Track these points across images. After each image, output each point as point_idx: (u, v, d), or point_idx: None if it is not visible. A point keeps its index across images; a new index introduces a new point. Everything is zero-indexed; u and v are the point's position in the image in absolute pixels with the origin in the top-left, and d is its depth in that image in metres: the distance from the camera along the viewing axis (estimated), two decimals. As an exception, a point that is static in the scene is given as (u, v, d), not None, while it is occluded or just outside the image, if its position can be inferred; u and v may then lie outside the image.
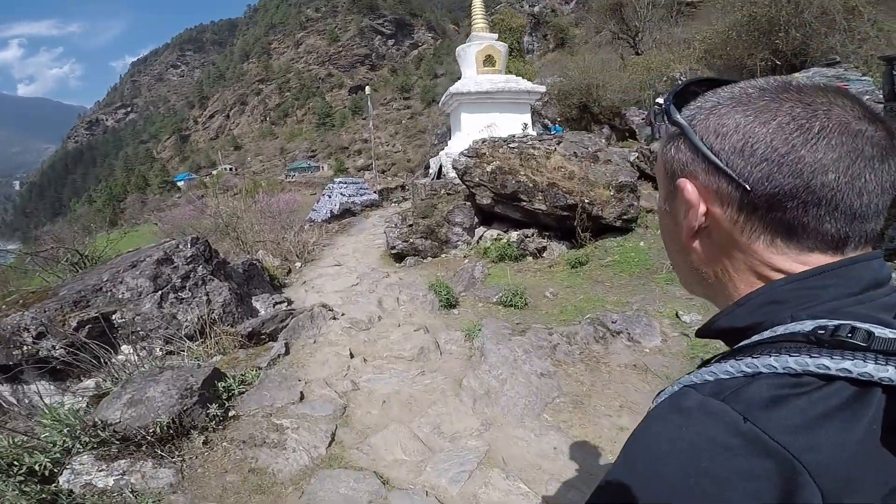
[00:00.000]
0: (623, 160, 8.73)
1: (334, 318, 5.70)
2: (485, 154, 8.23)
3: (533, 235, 7.91)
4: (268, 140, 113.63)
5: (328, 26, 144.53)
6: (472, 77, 11.71)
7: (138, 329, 5.35)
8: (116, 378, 4.17)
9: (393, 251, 9.31)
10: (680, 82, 0.65)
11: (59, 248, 12.65)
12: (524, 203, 7.74)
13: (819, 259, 0.54)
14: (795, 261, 0.55)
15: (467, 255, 8.69)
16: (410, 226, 9.21)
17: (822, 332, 0.48)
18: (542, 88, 12.50)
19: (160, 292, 5.53)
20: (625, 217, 7.77)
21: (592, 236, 7.76)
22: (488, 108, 11.69)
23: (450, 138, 14.03)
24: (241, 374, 3.96)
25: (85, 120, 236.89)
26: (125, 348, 5.36)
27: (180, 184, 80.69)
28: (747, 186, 0.53)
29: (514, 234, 7.91)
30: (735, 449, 0.44)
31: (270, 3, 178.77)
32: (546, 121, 17.92)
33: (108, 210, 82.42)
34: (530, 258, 7.75)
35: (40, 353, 4.68)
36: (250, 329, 5.31)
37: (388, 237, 9.51)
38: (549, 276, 6.80)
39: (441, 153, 13.05)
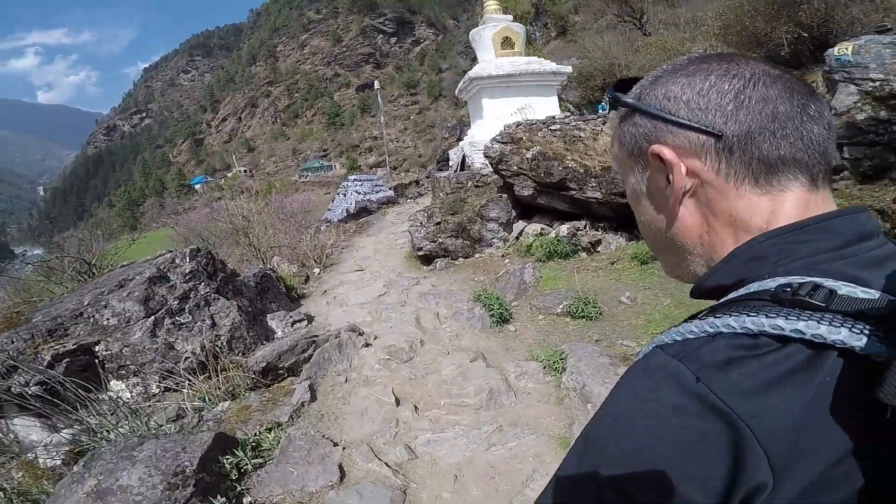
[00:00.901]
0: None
1: (367, 346, 4.74)
2: (521, 139, 7.21)
3: (585, 228, 6.89)
4: (280, 141, 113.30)
5: (330, 27, 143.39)
6: (491, 60, 10.67)
7: (127, 363, 4.50)
8: (95, 432, 3.29)
9: (420, 253, 8.35)
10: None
11: (62, 258, 12.01)
12: (573, 192, 6.72)
13: (801, 196, 0.55)
14: (775, 199, 0.55)
15: (506, 255, 7.69)
16: (438, 224, 8.23)
17: (787, 290, 0.47)
18: (569, 69, 11.41)
19: (153, 317, 4.64)
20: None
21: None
22: (512, 92, 10.65)
23: (468, 127, 13.02)
24: (256, 437, 3.02)
25: (103, 126, 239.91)
26: (115, 384, 4.54)
27: (197, 187, 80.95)
28: (715, 132, 0.55)
29: (563, 228, 6.89)
30: (687, 409, 0.44)
31: (273, 6, 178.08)
32: (567, 103, 16.83)
33: (127, 214, 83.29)
34: (584, 254, 6.73)
35: (12, 388, 3.88)
36: (264, 364, 4.38)
37: (413, 237, 8.55)
38: (615, 276, 5.76)
39: (462, 143, 12.05)
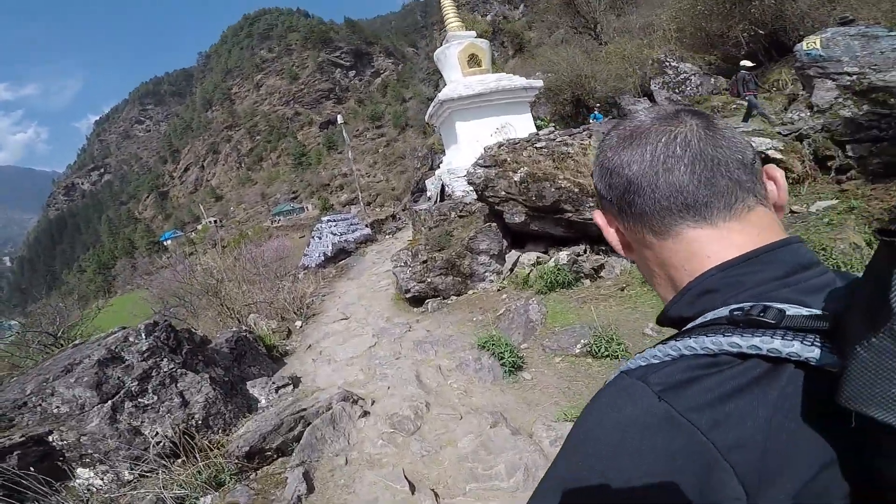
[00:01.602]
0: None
1: (364, 415, 4.07)
2: (506, 161, 6.74)
3: (586, 252, 6.39)
4: (247, 187, 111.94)
5: (285, 65, 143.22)
6: (460, 80, 10.29)
7: (89, 451, 3.85)
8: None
9: (408, 295, 7.72)
10: None
11: (26, 332, 10.96)
12: (569, 214, 6.23)
13: (698, 234, 0.58)
14: (678, 242, 0.59)
15: (502, 289, 7.12)
16: (424, 262, 7.64)
17: (739, 312, 0.50)
18: (540, 83, 11.11)
19: (110, 402, 3.98)
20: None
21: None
22: (485, 112, 10.26)
23: (442, 154, 12.58)
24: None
25: (61, 185, 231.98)
26: (83, 472, 3.89)
27: (167, 243, 78.80)
28: (604, 195, 0.66)
29: (562, 255, 6.37)
30: (652, 427, 0.45)
31: (222, 48, 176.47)
32: (538, 119, 16.65)
33: (99, 279, 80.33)
34: (587, 281, 6.21)
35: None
36: (248, 448, 3.68)
37: (399, 279, 7.93)
38: (630, 305, 5.22)
39: (438, 171, 11.57)
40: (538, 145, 6.73)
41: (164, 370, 4.35)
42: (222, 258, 10.74)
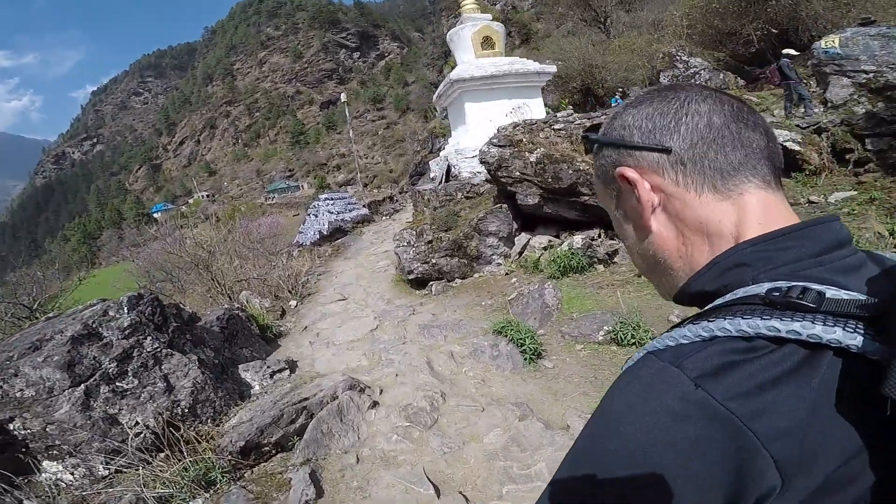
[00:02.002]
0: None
1: (374, 406, 3.71)
2: (522, 141, 6.36)
3: (600, 237, 6.05)
4: (242, 163, 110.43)
5: (290, 43, 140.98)
6: (472, 61, 9.86)
7: (57, 442, 3.48)
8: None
9: (410, 276, 7.37)
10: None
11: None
12: (585, 197, 5.89)
13: (759, 196, 0.56)
14: (736, 203, 0.56)
15: (510, 272, 6.79)
16: (429, 242, 7.28)
17: (777, 293, 0.46)
18: (553, 69, 10.70)
19: (83, 385, 3.56)
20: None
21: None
22: (496, 94, 9.85)
23: (442, 139, 12.18)
24: None
25: (51, 154, 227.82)
26: (49, 465, 3.52)
27: (157, 215, 77.72)
28: (668, 147, 0.58)
29: (576, 238, 6.03)
30: (690, 417, 0.42)
31: (228, 24, 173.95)
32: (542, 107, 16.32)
33: (83, 248, 79.24)
34: (601, 266, 5.89)
35: None
36: (243, 443, 3.32)
37: (401, 259, 7.57)
38: (650, 290, 4.87)
39: (444, 152, 11.16)
40: (556, 127, 6.34)
41: (148, 350, 3.96)
42: (215, 230, 10.32)
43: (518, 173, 6.13)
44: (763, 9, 14.60)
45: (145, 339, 4.00)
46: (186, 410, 3.93)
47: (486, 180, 8.12)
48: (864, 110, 8.97)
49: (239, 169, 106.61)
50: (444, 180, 9.75)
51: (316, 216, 18.20)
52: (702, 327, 0.48)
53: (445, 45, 38.17)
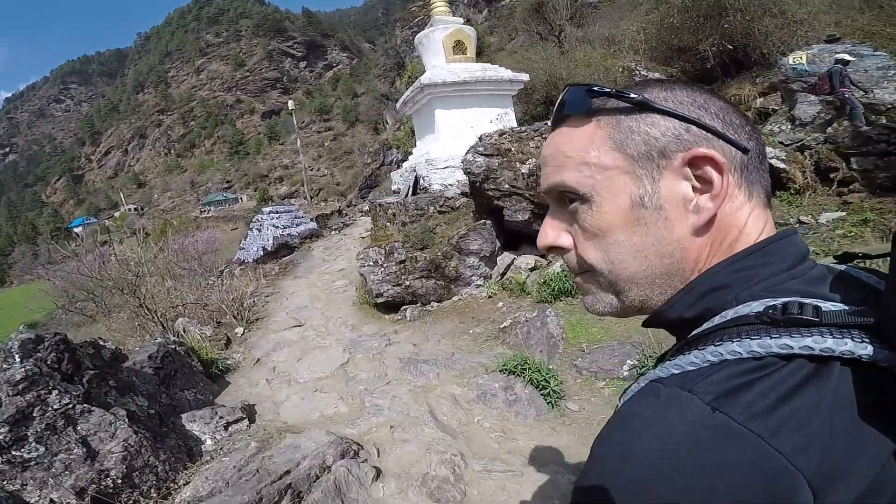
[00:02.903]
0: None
1: (378, 476, 2.83)
2: (510, 150, 5.75)
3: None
4: (175, 174, 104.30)
5: (232, 51, 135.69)
6: (443, 66, 9.27)
7: None
8: None
9: (379, 299, 6.54)
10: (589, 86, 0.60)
11: None
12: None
13: (763, 212, 0.57)
14: (753, 212, 0.56)
15: (493, 295, 6.11)
16: (402, 262, 6.49)
17: (773, 311, 0.46)
18: (526, 77, 10.27)
19: None
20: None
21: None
22: (468, 101, 9.28)
23: (392, 151, 11.45)
24: None
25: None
26: None
27: (77, 230, 71.52)
28: (747, 147, 0.54)
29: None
30: (709, 442, 0.40)
31: (164, 30, 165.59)
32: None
33: (-8, 265, 71.72)
34: (600, 292, 5.32)
35: None
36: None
37: (368, 280, 6.72)
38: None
39: (410, 162, 10.43)
40: (547, 134, 5.80)
41: (55, 408, 2.93)
42: (142, 248, 8.97)
43: (507, 186, 5.50)
44: (719, 24, 15.00)
45: (49, 393, 2.96)
46: (120, 481, 2.93)
47: (462, 193, 7.45)
48: (831, 129, 9.09)
49: (171, 180, 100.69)
50: (410, 193, 9.00)
51: (259, 231, 16.89)
52: (710, 353, 0.46)
53: (399, 56, 37.67)
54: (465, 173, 6.00)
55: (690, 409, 0.42)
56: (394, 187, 11.14)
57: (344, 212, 25.21)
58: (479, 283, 6.49)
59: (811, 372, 0.43)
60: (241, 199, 71.58)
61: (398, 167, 29.22)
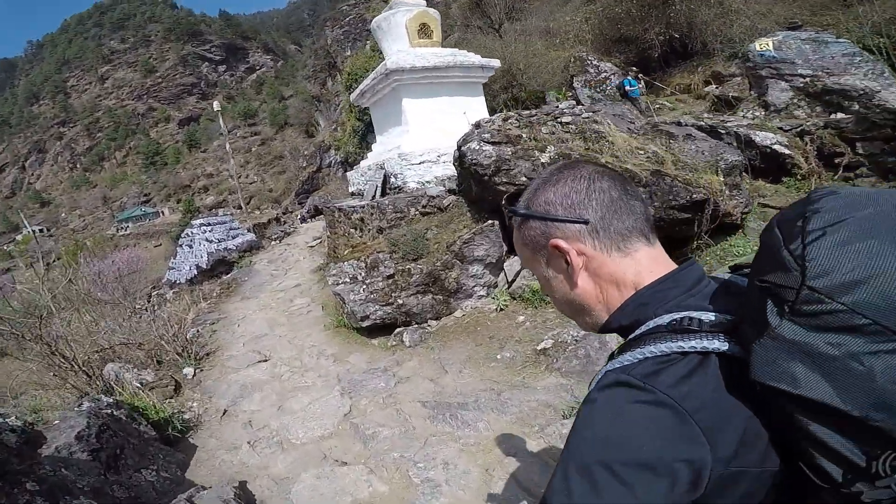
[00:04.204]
0: (705, 132, 6.03)
1: None
2: (521, 137, 4.89)
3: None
4: (84, 190, 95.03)
5: (140, 57, 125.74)
6: (407, 51, 8.27)
7: None
8: None
9: (365, 323, 5.46)
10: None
11: None
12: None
13: (646, 251, 0.81)
14: (634, 258, 0.80)
15: (505, 307, 5.22)
16: (391, 277, 5.45)
17: (675, 323, 0.71)
18: (497, 63, 9.46)
19: None
20: (745, 211, 5.08)
21: (697, 244, 4.98)
22: (437, 90, 8.32)
23: (374, 141, 10.33)
24: None
25: None
26: None
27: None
28: (587, 219, 0.78)
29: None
30: (642, 404, 0.63)
31: (60, 38, 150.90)
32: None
33: None
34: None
35: None
36: None
37: (346, 301, 5.63)
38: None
39: (370, 161, 9.30)
40: (563, 120, 4.99)
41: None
42: (46, 280, 7.27)
43: (525, 178, 4.63)
44: (664, 13, 14.96)
45: None
46: None
47: (450, 191, 6.52)
48: (804, 114, 8.86)
49: (80, 197, 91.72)
50: (379, 193, 7.92)
51: (191, 247, 15.01)
52: (637, 352, 0.69)
53: (329, 56, 35.82)
54: (467, 167, 5.04)
55: (632, 385, 0.65)
56: (352, 188, 9.98)
57: (282, 220, 23.52)
58: (481, 293, 5.57)
59: (699, 362, 0.66)
60: (162, 212, 66.33)
61: (343, 168, 27.67)
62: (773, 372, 0.59)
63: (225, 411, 4.47)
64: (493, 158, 4.73)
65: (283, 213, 27.80)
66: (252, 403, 4.54)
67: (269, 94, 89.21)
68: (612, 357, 0.76)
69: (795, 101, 9.22)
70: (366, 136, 25.69)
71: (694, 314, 0.70)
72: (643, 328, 0.73)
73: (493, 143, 4.83)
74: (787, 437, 0.63)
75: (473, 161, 4.84)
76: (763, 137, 7.03)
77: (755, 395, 0.62)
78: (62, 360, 4.75)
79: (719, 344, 0.66)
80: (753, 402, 0.63)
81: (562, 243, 0.79)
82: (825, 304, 0.55)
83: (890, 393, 0.53)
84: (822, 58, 9.13)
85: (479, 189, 5.15)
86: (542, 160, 4.63)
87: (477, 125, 5.37)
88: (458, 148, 5.46)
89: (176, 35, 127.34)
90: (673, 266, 0.81)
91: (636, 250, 0.79)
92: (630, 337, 0.76)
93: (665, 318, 0.72)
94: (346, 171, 25.24)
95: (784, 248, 0.60)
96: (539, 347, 4.03)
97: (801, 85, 9.24)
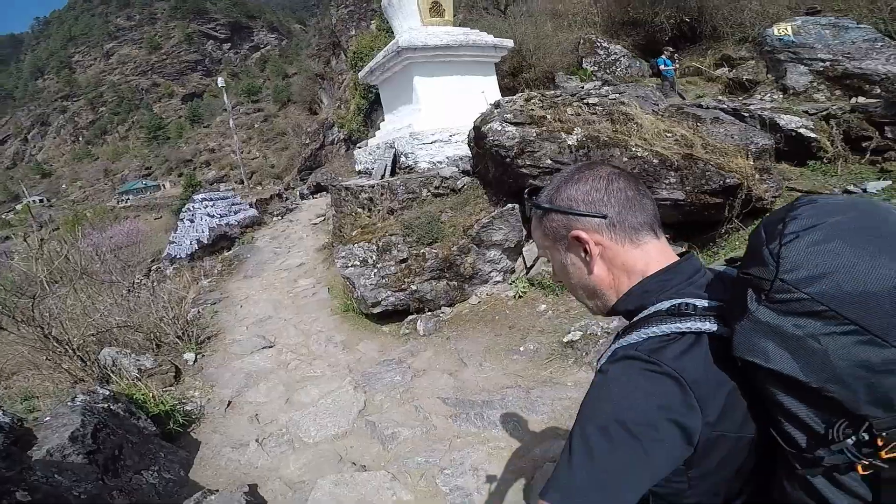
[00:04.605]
0: (729, 114, 5.68)
1: None
2: (545, 118, 4.56)
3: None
4: (86, 163, 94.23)
5: (146, 34, 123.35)
6: (419, 29, 7.88)
7: None
8: None
9: (376, 309, 5.21)
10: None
11: None
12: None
13: (654, 244, 0.90)
14: (643, 250, 0.89)
15: (523, 294, 4.96)
16: (404, 261, 5.18)
17: (674, 308, 0.80)
18: (510, 43, 9.03)
19: None
20: (775, 195, 4.79)
21: (727, 228, 4.74)
22: (450, 69, 7.93)
23: (381, 119, 9.96)
24: None
25: None
26: None
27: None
28: (605, 214, 0.87)
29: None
30: (649, 374, 0.73)
31: (67, 14, 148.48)
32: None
33: None
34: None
35: None
36: None
37: (356, 286, 5.36)
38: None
39: (378, 139, 8.96)
40: (589, 101, 4.66)
41: None
42: (41, 254, 7.01)
43: (550, 161, 4.31)
44: None
45: None
46: None
47: (464, 172, 6.22)
48: (823, 97, 8.75)
49: (81, 169, 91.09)
50: (388, 174, 7.60)
51: (192, 221, 14.77)
52: (641, 332, 0.79)
53: (334, 35, 34.98)
54: (487, 147, 4.70)
55: (639, 359, 0.75)
56: (359, 167, 9.65)
57: (284, 195, 23.19)
58: (497, 279, 5.31)
59: (694, 340, 0.76)
60: (163, 186, 65.93)
61: (346, 146, 27.14)
62: (750, 348, 0.69)
63: (229, 403, 4.24)
64: (516, 140, 4.40)
65: (286, 190, 27.48)
66: (258, 394, 4.31)
67: (272, 72, 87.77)
68: (617, 337, 0.85)
69: (815, 84, 9.20)
70: (370, 114, 25.18)
71: (690, 300, 0.80)
72: (645, 312, 0.84)
73: (515, 124, 4.49)
74: (762, 408, 0.74)
75: (495, 142, 4.51)
76: (788, 121, 6.78)
77: (737, 369, 0.73)
78: (55, 345, 4.51)
79: (710, 325, 0.76)
80: (736, 376, 0.74)
81: (582, 234, 0.88)
82: (792, 293, 0.65)
83: (841, 368, 0.63)
84: (842, 42, 9.15)
85: (500, 171, 4.84)
86: (569, 142, 4.31)
87: (496, 105, 5.04)
88: (476, 128, 5.13)
89: (182, 13, 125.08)
90: (675, 258, 0.90)
91: (646, 243, 0.88)
92: (634, 319, 0.86)
93: (665, 304, 0.81)
94: (349, 148, 24.79)
95: (765, 246, 0.69)
96: (566, 339, 3.76)
97: (821, 69, 9.21)
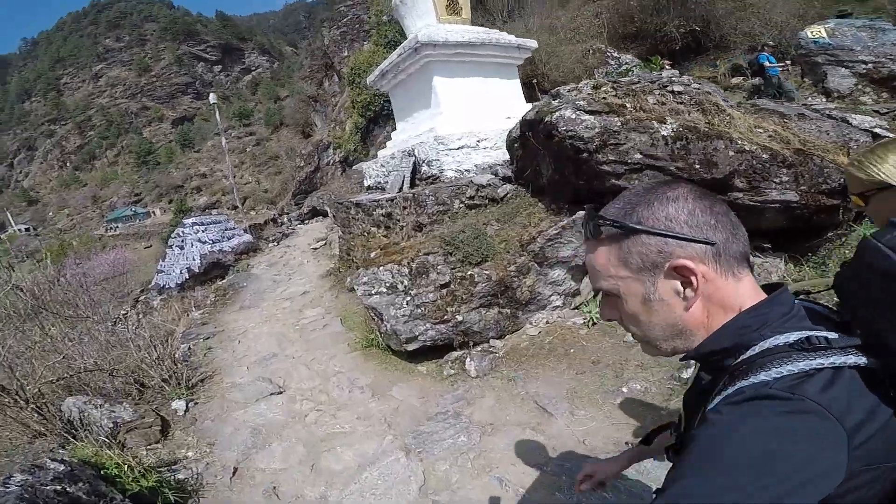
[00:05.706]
0: (813, 112, 4.91)
1: None
2: (625, 108, 3.74)
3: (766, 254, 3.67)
4: (73, 189, 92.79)
5: (135, 56, 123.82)
6: (436, 26, 7.14)
7: None
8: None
9: (410, 346, 4.25)
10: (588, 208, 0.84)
11: None
12: (739, 195, 3.51)
13: (749, 278, 0.76)
14: (743, 284, 0.75)
15: (598, 321, 4.03)
16: (445, 286, 4.23)
17: (802, 342, 0.68)
18: (534, 43, 8.34)
19: None
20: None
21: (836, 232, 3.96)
22: (470, 69, 7.18)
23: (392, 127, 9.15)
24: None
25: None
26: None
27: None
28: (714, 241, 0.71)
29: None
30: (795, 410, 0.62)
31: (55, 35, 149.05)
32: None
33: None
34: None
35: None
36: None
37: (385, 318, 4.40)
38: None
39: (391, 149, 8.11)
40: (674, 89, 3.86)
41: None
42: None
43: (640, 155, 3.47)
44: (683, 5, 14.62)
45: None
46: None
47: (504, 179, 5.36)
48: (870, 100, 8.47)
49: (69, 196, 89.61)
50: (407, 185, 6.73)
51: (182, 248, 13.74)
52: (774, 372, 0.66)
53: (326, 56, 34.62)
54: (557, 140, 3.82)
55: (779, 397, 0.63)
56: (368, 182, 8.77)
57: (279, 220, 22.34)
58: (557, 303, 4.39)
59: (832, 375, 0.65)
60: (153, 212, 64.71)
61: (342, 168, 26.30)
62: None
63: (235, 470, 3.23)
64: (596, 130, 3.55)
65: (280, 215, 26.70)
66: (272, 458, 3.32)
67: (264, 95, 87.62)
68: (710, 390, 0.74)
69: (860, 87, 8.79)
70: (368, 133, 24.52)
71: (819, 333, 0.70)
72: (756, 348, 0.71)
73: (592, 112, 3.65)
74: None
75: (568, 132, 3.64)
76: (861, 121, 6.14)
77: (891, 400, 0.66)
78: (3, 394, 3.48)
79: (856, 359, 0.67)
80: (891, 405, 0.67)
81: (689, 263, 0.72)
82: None
83: None
84: (881, 45, 8.99)
85: (565, 171, 3.97)
86: (663, 132, 3.48)
87: (556, 94, 4.21)
88: (530, 122, 4.30)
89: (172, 34, 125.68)
90: (762, 293, 0.79)
91: (745, 276, 0.77)
92: (742, 358, 0.72)
93: (781, 339, 0.70)
94: (345, 170, 24.01)
95: None
96: (685, 375, 2.84)
97: (864, 71, 8.94)
